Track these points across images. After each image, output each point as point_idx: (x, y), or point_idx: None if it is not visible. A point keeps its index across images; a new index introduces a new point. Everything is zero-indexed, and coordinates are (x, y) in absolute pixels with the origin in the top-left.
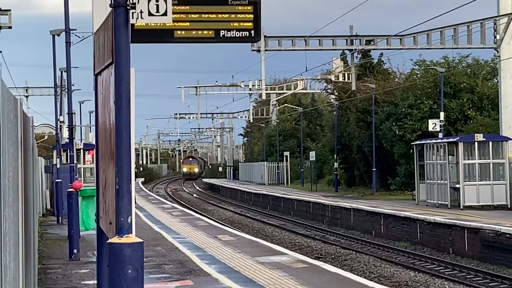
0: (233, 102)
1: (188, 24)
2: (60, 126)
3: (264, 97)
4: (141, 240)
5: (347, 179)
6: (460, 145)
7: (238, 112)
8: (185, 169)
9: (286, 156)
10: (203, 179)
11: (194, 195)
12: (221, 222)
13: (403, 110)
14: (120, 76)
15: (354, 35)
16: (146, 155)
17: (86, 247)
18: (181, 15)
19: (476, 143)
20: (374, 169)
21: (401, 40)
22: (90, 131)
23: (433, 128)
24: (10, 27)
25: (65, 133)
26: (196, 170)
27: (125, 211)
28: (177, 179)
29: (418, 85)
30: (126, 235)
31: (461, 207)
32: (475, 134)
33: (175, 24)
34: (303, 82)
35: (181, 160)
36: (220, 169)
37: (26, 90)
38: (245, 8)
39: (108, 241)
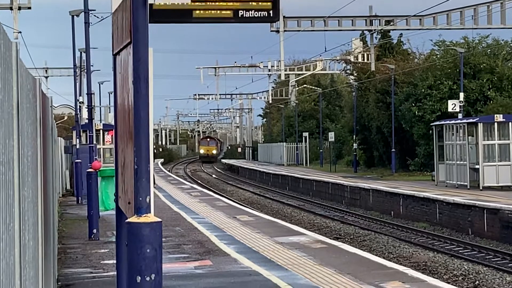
0: (252, 83)
1: (206, 4)
2: (80, 106)
3: (283, 77)
4: (159, 220)
5: (366, 160)
6: (480, 125)
7: (257, 93)
8: (202, 151)
9: (305, 137)
10: (222, 160)
11: (213, 175)
12: (240, 203)
13: (423, 90)
14: (138, 56)
15: (374, 16)
16: (165, 135)
17: (106, 227)
18: None
19: (495, 123)
20: (393, 149)
21: (420, 20)
22: (110, 112)
23: (452, 109)
24: (29, 8)
25: (85, 114)
26: (215, 151)
27: (144, 191)
28: (196, 160)
29: (438, 66)
30: (144, 215)
31: (481, 188)
32: (495, 115)
33: (194, 4)
34: (322, 62)
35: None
36: (239, 150)
37: (46, 71)
38: None
39: (126, 221)
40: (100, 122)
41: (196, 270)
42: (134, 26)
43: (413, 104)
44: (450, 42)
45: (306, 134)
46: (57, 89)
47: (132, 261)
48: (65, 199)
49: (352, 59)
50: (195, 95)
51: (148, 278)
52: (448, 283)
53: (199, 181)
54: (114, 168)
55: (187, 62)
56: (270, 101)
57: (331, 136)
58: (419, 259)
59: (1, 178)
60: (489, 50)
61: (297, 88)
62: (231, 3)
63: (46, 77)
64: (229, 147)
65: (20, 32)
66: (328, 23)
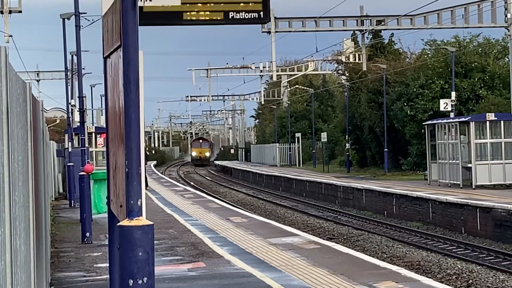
0: (244, 84)
1: (196, 6)
2: (72, 109)
3: (275, 78)
4: (151, 223)
5: (359, 159)
6: (472, 124)
7: (249, 94)
8: (194, 153)
9: (298, 138)
10: (215, 162)
11: (206, 177)
12: (233, 204)
13: (414, 90)
14: (128, 59)
15: (365, 16)
16: (158, 138)
17: (99, 230)
18: None
19: (487, 122)
20: (385, 149)
21: (411, 20)
22: (102, 115)
23: (444, 108)
24: (20, 11)
25: (77, 117)
26: (208, 154)
27: (135, 194)
28: (189, 162)
29: (429, 65)
30: (136, 218)
31: (473, 187)
32: (487, 114)
33: (184, 6)
34: (314, 63)
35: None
36: (232, 151)
37: (37, 74)
38: None
39: (118, 224)
40: (92, 125)
41: (189, 272)
42: (124, 29)
43: (405, 104)
44: (441, 41)
45: (298, 134)
46: (49, 92)
47: (124, 264)
48: (58, 203)
49: (343, 59)
50: (187, 96)
51: (140, 281)
52: (442, 282)
53: (192, 183)
54: (106, 171)
55: (179, 64)
56: (262, 102)
57: (324, 136)
58: (413, 259)
59: None
60: (480, 49)
61: (289, 89)
62: (222, 5)
63: (38, 81)
64: (222, 149)
65: (11, 36)
66: (319, 23)
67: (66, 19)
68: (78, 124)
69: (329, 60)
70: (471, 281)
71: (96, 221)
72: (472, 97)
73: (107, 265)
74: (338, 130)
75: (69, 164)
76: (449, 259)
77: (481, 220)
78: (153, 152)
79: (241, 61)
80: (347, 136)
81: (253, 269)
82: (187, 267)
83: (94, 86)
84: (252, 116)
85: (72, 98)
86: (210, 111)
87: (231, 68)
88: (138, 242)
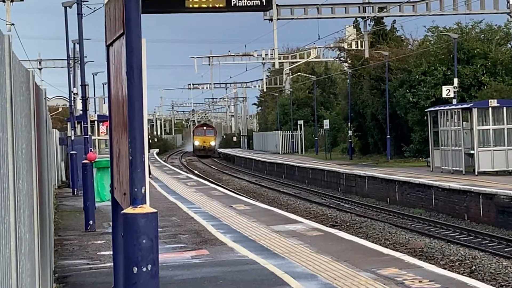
0: (246, 71)
1: None
2: (74, 98)
3: (277, 66)
4: (155, 210)
5: (361, 147)
6: (474, 111)
7: (251, 82)
8: (197, 142)
9: (300, 125)
10: (218, 149)
11: (209, 165)
12: (236, 192)
13: (417, 77)
14: (131, 47)
15: (367, 3)
16: (161, 126)
17: (102, 218)
18: None
19: (490, 108)
20: (388, 136)
21: (413, 6)
22: (104, 103)
23: (447, 95)
24: (21, 0)
25: (79, 105)
26: (213, 143)
27: (139, 182)
28: (190, 152)
29: (432, 52)
30: (140, 206)
31: (476, 173)
32: (489, 100)
33: None
34: (316, 50)
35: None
36: (235, 138)
37: (40, 62)
38: None
39: (122, 212)
40: (95, 113)
41: (193, 260)
42: (127, 17)
43: (408, 91)
44: (444, 28)
45: (301, 122)
46: (51, 80)
47: (128, 252)
48: (61, 191)
49: (346, 47)
50: (190, 84)
51: (144, 269)
52: (445, 268)
53: (195, 171)
54: (109, 159)
55: (180, 52)
56: (265, 90)
57: (326, 123)
58: (416, 245)
59: None
60: (483, 35)
61: (291, 76)
62: None
63: (40, 69)
64: (225, 136)
65: (13, 24)
66: (321, 10)
67: (68, 7)
68: (81, 112)
69: (331, 47)
70: (474, 267)
71: (99, 209)
72: (475, 83)
73: (111, 252)
74: (340, 117)
75: (72, 152)
76: (452, 245)
77: (484, 206)
78: (156, 140)
79: (243, 49)
80: (349, 123)
81: (257, 256)
82: (191, 254)
83: (96, 74)
84: (254, 104)
85: (74, 86)
86: (212, 99)
87: (233, 55)
88: (142, 229)
